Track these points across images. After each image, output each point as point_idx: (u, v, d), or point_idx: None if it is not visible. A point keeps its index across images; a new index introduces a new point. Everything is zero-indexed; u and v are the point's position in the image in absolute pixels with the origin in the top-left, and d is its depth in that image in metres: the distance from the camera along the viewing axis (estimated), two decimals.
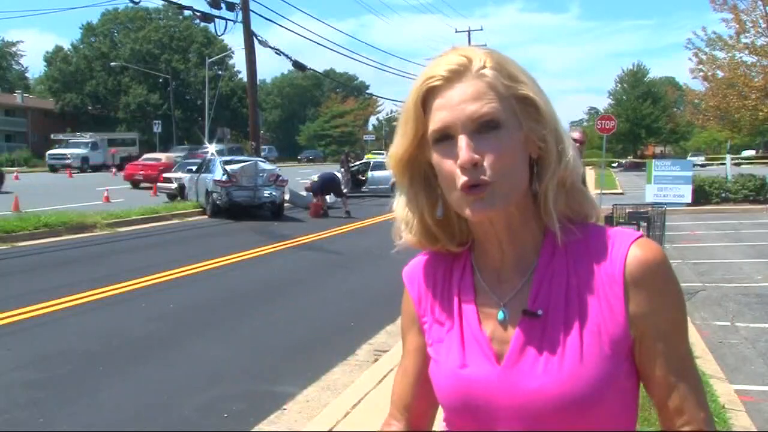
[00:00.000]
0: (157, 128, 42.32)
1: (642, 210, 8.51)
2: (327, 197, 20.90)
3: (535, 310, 0.94)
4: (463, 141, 0.90)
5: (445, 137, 0.92)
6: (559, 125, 0.96)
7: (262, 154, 25.90)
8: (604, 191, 20.17)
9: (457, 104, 0.91)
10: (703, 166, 35.04)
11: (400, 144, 0.98)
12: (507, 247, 0.98)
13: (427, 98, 0.94)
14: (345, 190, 23.42)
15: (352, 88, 79.50)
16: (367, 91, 78.01)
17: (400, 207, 1.03)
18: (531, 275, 0.96)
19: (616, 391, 0.91)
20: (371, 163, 26.86)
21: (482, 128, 0.90)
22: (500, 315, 0.97)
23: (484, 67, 0.92)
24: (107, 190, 21.04)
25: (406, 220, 1.03)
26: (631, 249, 0.93)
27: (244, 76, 35.55)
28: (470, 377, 0.95)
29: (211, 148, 23.54)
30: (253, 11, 22.37)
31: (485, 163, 0.89)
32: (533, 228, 0.98)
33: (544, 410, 0.90)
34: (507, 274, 0.98)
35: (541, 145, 0.94)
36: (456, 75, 0.92)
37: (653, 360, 0.93)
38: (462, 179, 0.90)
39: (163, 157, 30.59)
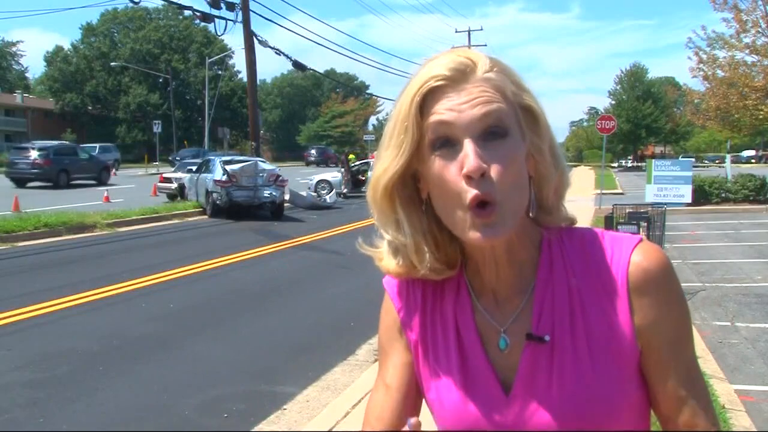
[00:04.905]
0: (157, 128, 42.32)
1: (642, 210, 8.50)
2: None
3: (540, 333, 0.87)
4: (469, 146, 0.80)
5: (446, 143, 0.83)
6: (554, 138, 0.91)
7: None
8: (604, 191, 20.18)
9: (463, 105, 0.82)
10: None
11: (396, 160, 0.86)
12: (505, 267, 0.91)
13: (425, 101, 0.84)
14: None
15: (352, 88, 79.46)
16: (368, 91, 78.16)
17: (393, 236, 0.92)
18: (531, 294, 0.90)
19: (630, 406, 0.87)
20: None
21: (489, 135, 0.82)
22: (502, 343, 0.90)
23: (490, 70, 0.85)
24: (107, 190, 21.04)
25: (396, 250, 0.93)
26: (632, 256, 0.87)
27: (244, 76, 35.60)
28: (476, 411, 0.88)
29: None
30: (253, 11, 22.37)
31: (492, 174, 0.81)
32: (528, 245, 0.91)
33: None
34: (505, 295, 0.91)
35: (539, 159, 0.88)
36: (461, 75, 0.83)
37: (662, 371, 0.87)
38: (471, 193, 0.80)
39: None
